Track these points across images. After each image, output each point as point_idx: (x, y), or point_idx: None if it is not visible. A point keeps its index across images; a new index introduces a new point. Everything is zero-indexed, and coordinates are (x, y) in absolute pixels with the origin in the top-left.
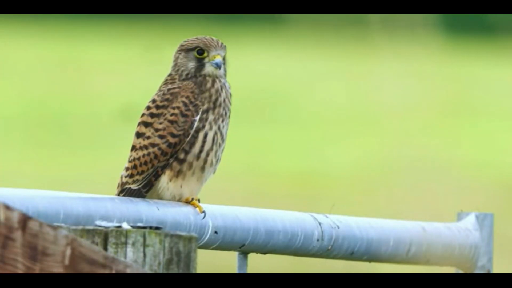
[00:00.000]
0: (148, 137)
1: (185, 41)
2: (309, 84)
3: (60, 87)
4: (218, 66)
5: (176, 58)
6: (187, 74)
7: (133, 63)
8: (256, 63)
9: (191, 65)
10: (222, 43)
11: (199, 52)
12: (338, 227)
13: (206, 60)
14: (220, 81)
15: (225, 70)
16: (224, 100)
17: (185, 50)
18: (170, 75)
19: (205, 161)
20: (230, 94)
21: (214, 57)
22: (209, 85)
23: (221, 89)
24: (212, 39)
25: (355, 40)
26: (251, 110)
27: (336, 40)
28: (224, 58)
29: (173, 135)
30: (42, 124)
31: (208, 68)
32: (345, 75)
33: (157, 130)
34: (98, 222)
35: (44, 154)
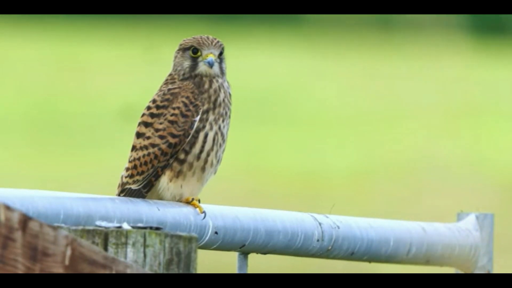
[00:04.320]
0: (148, 137)
1: (183, 40)
2: (309, 84)
3: (60, 87)
4: (210, 64)
5: (175, 58)
6: (183, 74)
7: (133, 63)
8: (255, 63)
9: (186, 64)
10: (218, 42)
11: (194, 51)
12: (338, 227)
13: (200, 59)
14: (217, 81)
15: (223, 69)
16: (224, 100)
17: (182, 49)
18: (170, 75)
19: (206, 161)
20: (230, 94)
21: (207, 56)
22: (207, 86)
23: (219, 89)
24: (208, 38)
25: (355, 40)
26: (251, 110)
27: (336, 40)
28: (221, 57)
29: (173, 136)
30: (42, 124)
31: (202, 67)
32: (345, 75)
33: (157, 130)
34: (98, 223)
35: (44, 154)
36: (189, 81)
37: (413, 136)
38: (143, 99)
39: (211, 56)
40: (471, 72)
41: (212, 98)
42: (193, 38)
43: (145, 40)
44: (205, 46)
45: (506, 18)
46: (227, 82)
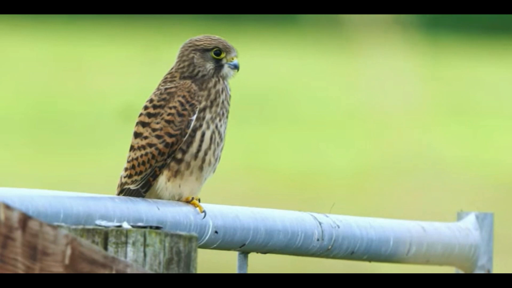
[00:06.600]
0: (146, 137)
1: (198, 40)
2: (309, 84)
3: (60, 86)
4: (236, 67)
5: (191, 58)
6: (203, 76)
7: (133, 63)
8: (255, 63)
9: (210, 66)
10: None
11: (217, 53)
12: (338, 227)
13: (224, 61)
14: (223, 82)
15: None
16: (223, 102)
17: (201, 50)
18: (170, 73)
19: (203, 160)
20: (230, 96)
21: (232, 59)
22: (210, 84)
23: (222, 91)
24: (225, 40)
25: (355, 40)
26: (251, 110)
27: (336, 39)
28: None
29: (170, 135)
30: (42, 123)
31: (226, 69)
32: (345, 75)
33: (154, 130)
34: (98, 222)
35: (44, 154)
36: (193, 78)
37: (413, 135)
38: (143, 99)
39: (237, 60)
40: (471, 72)
41: (212, 97)
42: (211, 39)
43: (145, 40)
44: (231, 49)
45: (506, 18)
46: (228, 84)
